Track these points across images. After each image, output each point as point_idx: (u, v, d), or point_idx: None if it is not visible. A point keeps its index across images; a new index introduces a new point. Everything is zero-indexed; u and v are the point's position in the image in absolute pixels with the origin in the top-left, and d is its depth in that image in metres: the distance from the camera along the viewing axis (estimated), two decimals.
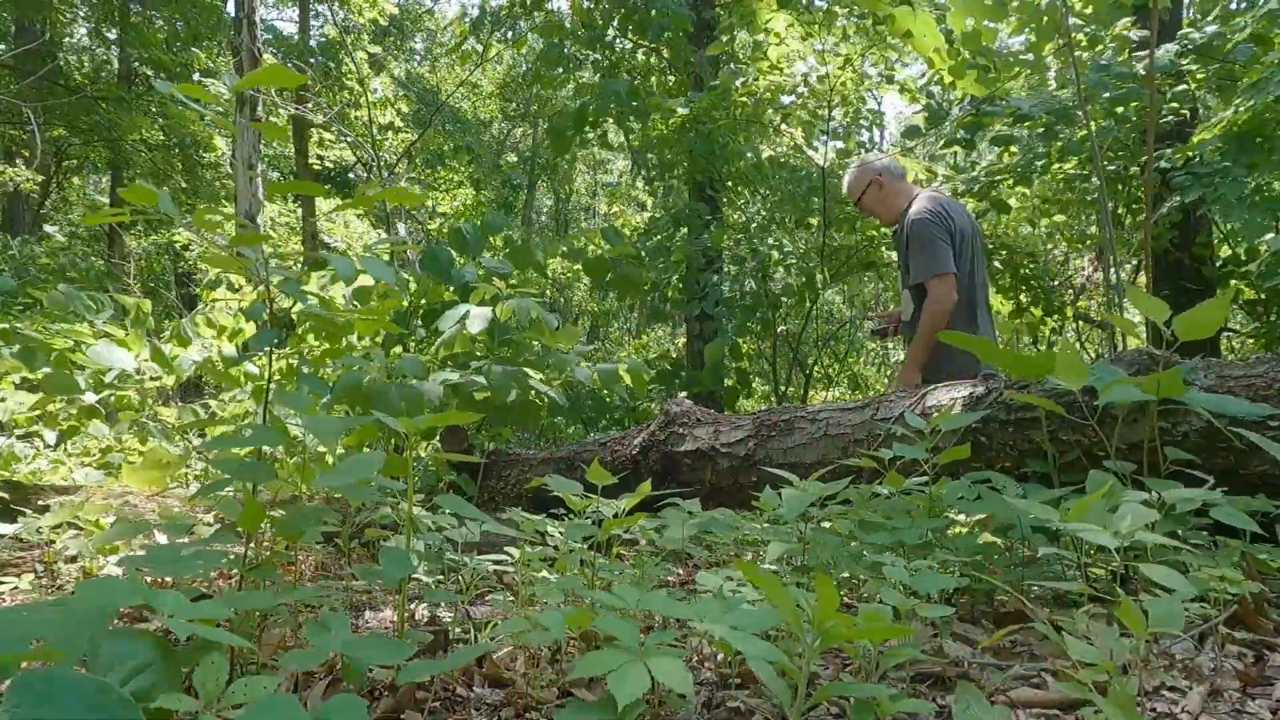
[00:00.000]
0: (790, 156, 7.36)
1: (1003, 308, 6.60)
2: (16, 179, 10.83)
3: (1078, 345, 8.53)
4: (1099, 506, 1.30)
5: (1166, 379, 1.68)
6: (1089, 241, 7.10)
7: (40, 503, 2.43)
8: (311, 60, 12.78)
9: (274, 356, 3.18)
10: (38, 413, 3.50)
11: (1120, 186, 5.68)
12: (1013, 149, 5.57)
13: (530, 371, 2.90)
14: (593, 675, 0.95)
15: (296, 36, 13.81)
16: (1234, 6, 5.33)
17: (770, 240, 6.77)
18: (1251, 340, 6.12)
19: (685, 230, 7.05)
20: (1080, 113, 4.15)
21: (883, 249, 6.93)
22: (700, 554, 2.13)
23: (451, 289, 3.12)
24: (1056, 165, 5.46)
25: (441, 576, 1.98)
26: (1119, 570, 1.55)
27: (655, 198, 9.29)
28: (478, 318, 2.76)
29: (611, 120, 6.62)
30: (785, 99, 6.61)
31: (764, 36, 6.49)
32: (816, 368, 8.71)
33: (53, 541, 2.21)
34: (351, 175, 15.14)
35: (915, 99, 6.08)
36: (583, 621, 1.11)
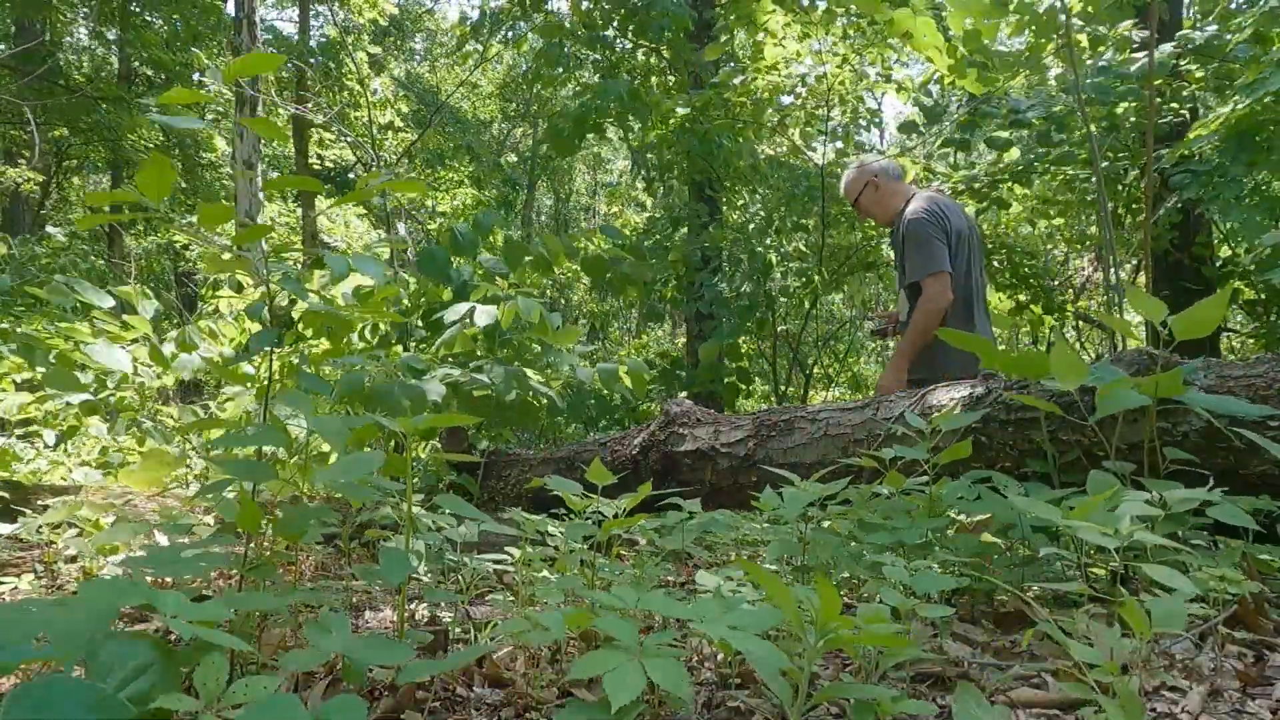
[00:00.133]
0: (789, 157, 7.37)
1: (1002, 305, 6.60)
2: (18, 179, 10.83)
3: (1078, 345, 8.54)
4: (1100, 507, 1.30)
5: (1166, 379, 1.68)
6: (1088, 242, 7.10)
7: (40, 503, 2.43)
8: (311, 60, 12.78)
9: (274, 356, 3.18)
10: (37, 413, 3.50)
11: (1120, 187, 5.68)
12: (1013, 151, 5.57)
13: (530, 372, 2.90)
14: (591, 676, 0.95)
15: (296, 36, 13.81)
16: (1234, 6, 5.33)
17: (768, 241, 6.77)
18: (1252, 340, 6.12)
19: (685, 230, 7.06)
20: (1079, 114, 4.15)
21: (882, 249, 6.93)
22: (700, 554, 2.14)
23: (449, 289, 3.12)
24: (1055, 168, 5.47)
25: (441, 576, 1.98)
26: (1119, 570, 1.55)
27: (655, 198, 9.29)
28: (483, 314, 2.76)
29: (611, 122, 6.62)
30: (784, 99, 6.62)
31: (762, 36, 6.49)
32: (816, 368, 8.71)
33: (52, 542, 2.21)
34: (351, 175, 15.14)
35: (913, 98, 6.08)
36: (582, 622, 1.11)
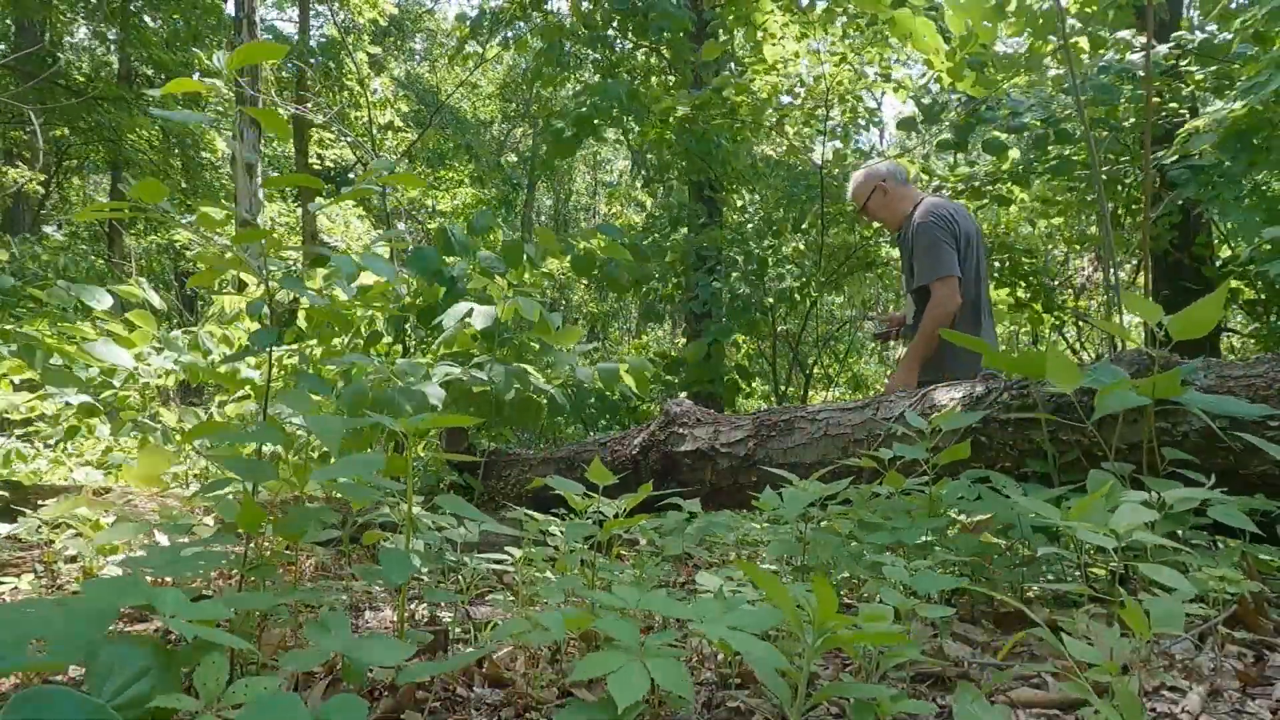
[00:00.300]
0: (789, 158, 7.37)
1: (1001, 302, 6.61)
2: (19, 180, 10.83)
3: (1078, 344, 8.54)
4: (1099, 506, 1.30)
5: (1164, 380, 1.68)
6: (1088, 242, 7.10)
7: (40, 503, 2.43)
8: (311, 60, 12.78)
9: (274, 356, 3.18)
10: (38, 413, 3.50)
11: (1119, 187, 5.68)
12: (1013, 151, 5.57)
13: (529, 369, 2.90)
14: (593, 677, 0.95)
15: (296, 36, 13.81)
16: (1233, 6, 5.33)
17: (766, 243, 6.78)
18: (1252, 340, 6.12)
19: (684, 230, 7.06)
20: (1078, 114, 4.15)
21: (882, 248, 6.93)
22: (700, 554, 2.13)
23: (443, 288, 3.12)
24: (1051, 174, 5.47)
25: (441, 576, 1.98)
26: (1119, 570, 1.55)
27: (655, 198, 9.29)
28: (481, 315, 2.76)
29: (610, 124, 6.62)
30: (784, 99, 6.62)
31: (761, 36, 6.50)
32: (816, 368, 8.72)
33: (52, 541, 2.21)
34: (351, 175, 15.13)
35: (910, 96, 6.09)
36: (583, 622, 1.11)
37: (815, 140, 6.95)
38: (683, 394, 6.35)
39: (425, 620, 1.67)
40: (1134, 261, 7.11)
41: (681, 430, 2.81)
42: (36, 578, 1.97)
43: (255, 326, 3.11)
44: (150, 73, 12.64)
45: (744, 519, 2.65)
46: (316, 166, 13.46)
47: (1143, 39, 4.69)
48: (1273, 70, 3.93)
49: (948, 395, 2.30)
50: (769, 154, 7.67)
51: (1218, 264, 5.77)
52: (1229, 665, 1.23)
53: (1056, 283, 7.40)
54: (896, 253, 6.85)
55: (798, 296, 6.62)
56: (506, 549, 1.81)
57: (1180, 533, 1.59)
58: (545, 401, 2.97)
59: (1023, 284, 6.51)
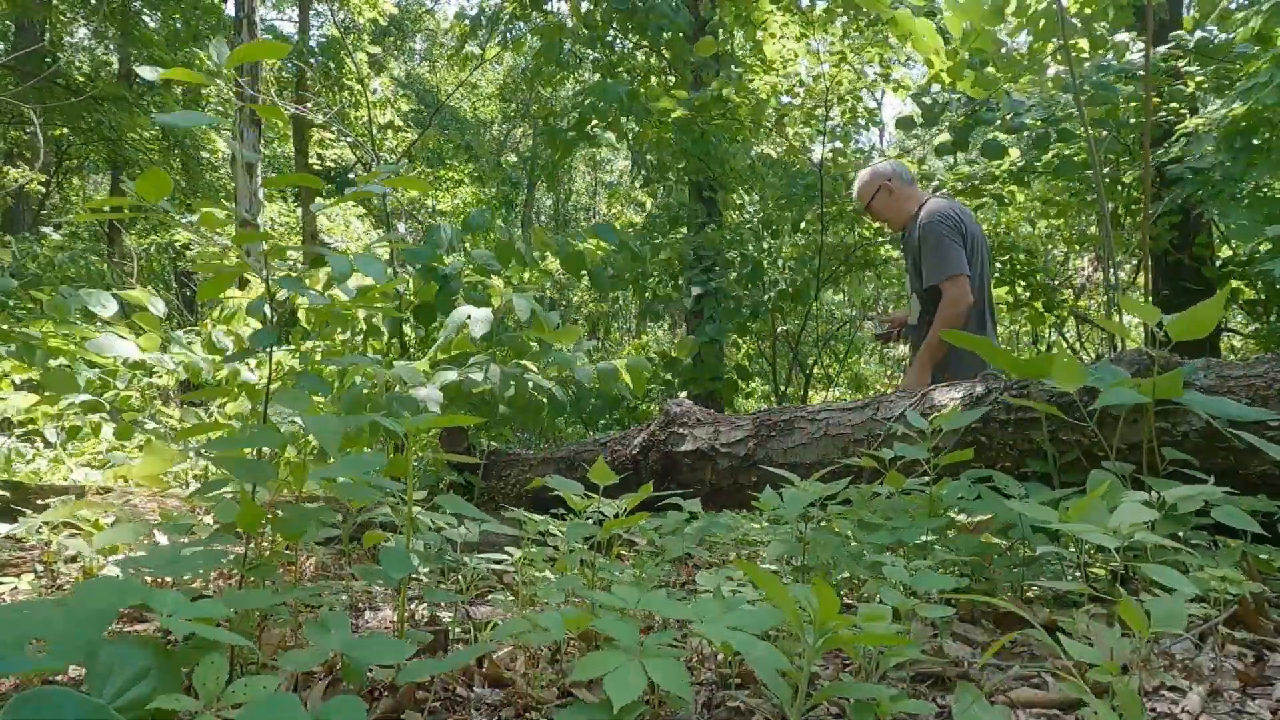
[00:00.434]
0: (788, 158, 7.37)
1: (1001, 301, 6.62)
2: (20, 180, 10.82)
3: (1077, 344, 8.54)
4: (1099, 506, 1.30)
5: (1165, 380, 1.68)
6: (1088, 242, 7.11)
7: (40, 503, 2.43)
8: (311, 60, 12.78)
9: (274, 357, 3.18)
10: (40, 414, 3.50)
11: (1119, 187, 5.68)
12: (1013, 151, 5.57)
13: (528, 365, 2.90)
14: (592, 677, 0.95)
15: (296, 36, 13.81)
16: (1233, 6, 5.33)
17: (766, 244, 6.78)
18: (1252, 340, 6.13)
19: (684, 230, 7.06)
20: (1078, 114, 4.15)
21: (882, 248, 6.93)
22: (700, 554, 2.13)
23: (443, 289, 3.12)
24: (1051, 173, 5.47)
25: (441, 576, 1.98)
26: (1119, 570, 1.55)
27: (654, 198, 9.29)
28: (480, 321, 2.76)
29: (607, 126, 6.62)
30: (783, 99, 6.62)
31: (761, 35, 6.50)
32: (816, 368, 8.72)
33: (50, 541, 2.21)
34: (351, 175, 15.13)
35: (910, 95, 6.09)
36: (582, 622, 1.11)
37: (815, 140, 6.95)
38: (683, 394, 6.35)
39: (425, 620, 1.67)
40: (1134, 261, 7.11)
41: (681, 430, 2.81)
42: (36, 578, 1.97)
43: (257, 325, 3.12)
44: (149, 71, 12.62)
45: (744, 519, 2.65)
46: (316, 167, 13.47)
47: (1142, 39, 4.70)
48: (1274, 69, 3.93)
49: (948, 395, 2.30)
50: (769, 154, 7.66)
51: (1218, 264, 5.77)
52: (1229, 665, 1.23)
53: (1057, 282, 7.41)
54: (896, 252, 6.86)
55: (791, 297, 6.62)
56: (506, 549, 1.81)
57: (1181, 533, 1.59)
58: (545, 400, 2.97)
59: (1022, 283, 6.52)
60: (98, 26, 12.17)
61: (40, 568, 2.09)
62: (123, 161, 12.61)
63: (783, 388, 7.76)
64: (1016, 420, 2.10)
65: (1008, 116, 4.93)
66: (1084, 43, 5.24)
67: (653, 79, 7.58)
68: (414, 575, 1.62)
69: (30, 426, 3.80)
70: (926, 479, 1.80)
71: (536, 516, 1.93)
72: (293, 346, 3.29)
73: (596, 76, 7.47)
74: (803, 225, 6.85)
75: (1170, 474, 1.72)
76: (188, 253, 12.03)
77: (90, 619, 0.88)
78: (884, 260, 7.14)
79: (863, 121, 6.71)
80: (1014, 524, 1.68)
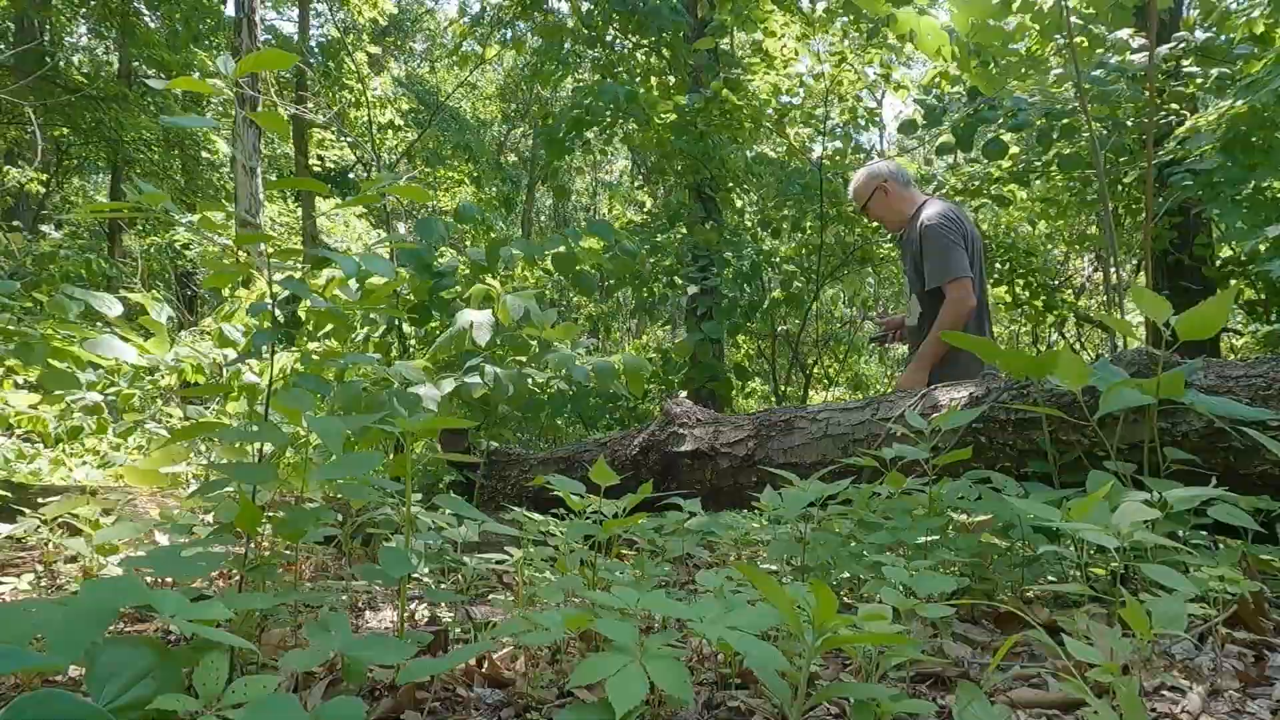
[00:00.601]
0: (787, 158, 7.38)
1: (1000, 300, 6.62)
2: (20, 179, 10.82)
3: (1077, 344, 8.54)
4: (1100, 507, 1.30)
5: (1167, 380, 1.68)
6: (1088, 242, 7.11)
7: (41, 503, 2.43)
8: (311, 60, 12.77)
9: (277, 357, 3.18)
10: (40, 417, 3.50)
11: (1120, 187, 5.68)
12: (1013, 152, 5.57)
13: (525, 362, 2.90)
14: (592, 681, 0.95)
15: (296, 36, 13.81)
16: (1233, 7, 5.33)
17: (766, 245, 6.79)
18: (1252, 340, 6.13)
19: (683, 230, 7.07)
20: (1082, 112, 4.15)
21: (882, 248, 6.93)
22: (700, 554, 2.13)
23: (434, 285, 3.13)
24: (1054, 170, 5.47)
25: (441, 576, 1.98)
26: (1119, 570, 1.55)
27: (654, 198, 9.30)
28: (482, 326, 2.76)
29: (604, 128, 6.62)
30: (783, 98, 6.62)
31: (761, 35, 6.50)
32: (816, 368, 8.72)
33: (50, 541, 2.21)
34: (351, 175, 15.14)
35: (911, 97, 6.09)
36: (582, 621, 1.11)
37: (815, 140, 6.96)
38: (682, 393, 6.35)
39: (425, 620, 1.67)
40: (1134, 261, 7.11)
41: (681, 430, 2.81)
42: (36, 578, 1.97)
43: (266, 325, 3.11)
44: (151, 73, 12.63)
45: (744, 519, 2.65)
46: (316, 168, 13.47)
47: (1141, 39, 4.70)
48: (1275, 67, 3.93)
49: (948, 395, 2.30)
50: (767, 154, 7.67)
51: (1218, 264, 5.77)
52: (1229, 665, 1.23)
53: (1057, 282, 7.41)
54: (896, 251, 6.86)
55: (789, 300, 6.62)
56: (506, 549, 1.81)
57: (1181, 533, 1.59)
58: (545, 397, 2.97)
59: (1022, 283, 6.52)
60: (97, 26, 12.16)
61: (40, 568, 2.09)
62: (123, 161, 12.60)
63: (783, 388, 7.76)
64: (1016, 420, 2.10)
65: (1009, 114, 4.92)
66: (1084, 40, 5.24)
67: (652, 79, 7.59)
68: (414, 575, 1.62)
69: (30, 427, 3.80)
70: (926, 479, 1.80)
71: (536, 516, 1.93)
72: (297, 349, 3.29)
73: (596, 77, 7.47)
74: (802, 225, 6.85)
75: (1172, 474, 1.72)
76: (187, 253, 12.03)
77: (90, 619, 0.88)
78: (882, 259, 7.14)
79: (863, 121, 6.71)
80: (1014, 524, 1.68)
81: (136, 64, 12.76)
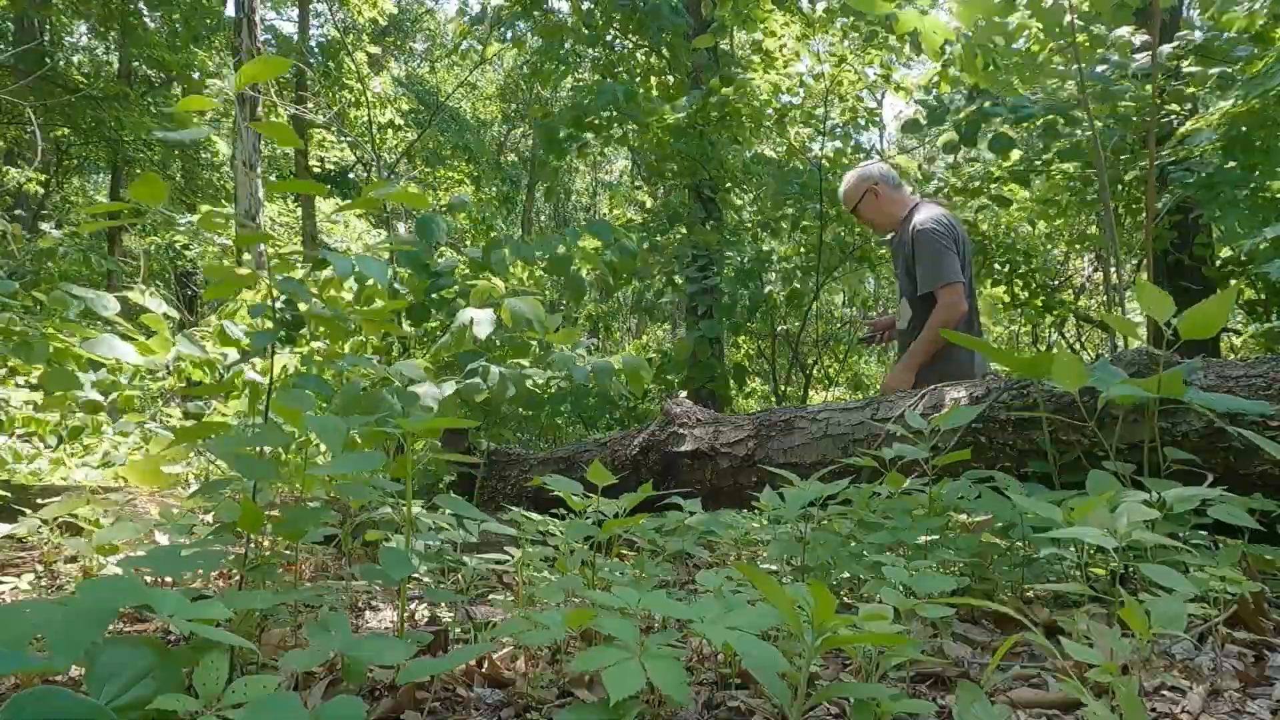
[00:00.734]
0: (787, 158, 7.38)
1: (999, 300, 6.61)
2: (19, 179, 10.82)
3: (1077, 344, 8.55)
4: (1100, 507, 1.30)
5: (1167, 379, 1.68)
6: (1088, 242, 7.11)
7: (41, 503, 2.43)
8: (311, 60, 12.77)
9: (279, 359, 3.18)
10: (41, 419, 3.50)
11: (1120, 187, 5.68)
12: (1008, 155, 5.56)
13: (524, 363, 2.90)
14: (590, 670, 0.95)
15: (296, 36, 13.81)
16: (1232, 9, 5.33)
17: (766, 245, 6.79)
18: (1251, 340, 6.13)
19: (683, 229, 7.07)
20: (1084, 111, 4.15)
21: (882, 248, 6.93)
22: (701, 554, 2.13)
23: (431, 284, 3.13)
24: (1056, 166, 5.47)
25: (441, 576, 1.98)
26: (1118, 570, 1.55)
27: (654, 199, 9.30)
28: (483, 321, 2.76)
29: (602, 129, 6.62)
30: (783, 98, 6.62)
31: (761, 34, 6.50)
32: (816, 368, 8.72)
33: (50, 541, 2.21)
34: (351, 175, 15.14)
35: (914, 99, 6.09)
36: (582, 620, 1.10)
37: (815, 140, 6.96)
38: (682, 393, 6.36)
39: (425, 620, 1.67)
40: (1134, 261, 7.11)
41: (681, 430, 2.81)
42: (36, 578, 1.97)
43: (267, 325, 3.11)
44: (150, 72, 12.64)
45: (744, 519, 2.65)
46: (316, 169, 13.46)
47: (1143, 36, 4.69)
48: (1276, 65, 3.93)
49: (949, 396, 2.30)
50: (766, 154, 7.67)
51: (1218, 264, 5.77)
52: (1229, 665, 1.23)
53: (1057, 283, 7.41)
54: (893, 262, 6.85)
55: (788, 300, 6.62)
56: (506, 549, 1.81)
57: (1181, 533, 1.59)
58: (544, 396, 2.98)
59: (1021, 282, 6.52)
60: (96, 26, 12.16)
61: (40, 568, 2.09)
62: (123, 161, 12.60)
63: (783, 388, 7.76)
64: (1016, 420, 2.10)
65: (1013, 109, 4.92)
66: (1085, 38, 5.23)
67: (652, 79, 7.59)
68: (414, 575, 1.62)
69: (31, 428, 3.80)
70: (926, 479, 1.80)
71: (535, 516, 1.93)
72: (298, 350, 3.29)
73: (596, 77, 7.48)
74: (801, 224, 6.85)
75: (1172, 474, 1.72)
76: (187, 253, 12.03)
77: (90, 619, 0.88)
78: (881, 258, 7.14)
79: (863, 122, 6.72)
80: (1014, 524, 1.68)
81: (136, 64, 12.76)
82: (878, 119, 7.10)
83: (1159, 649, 1.26)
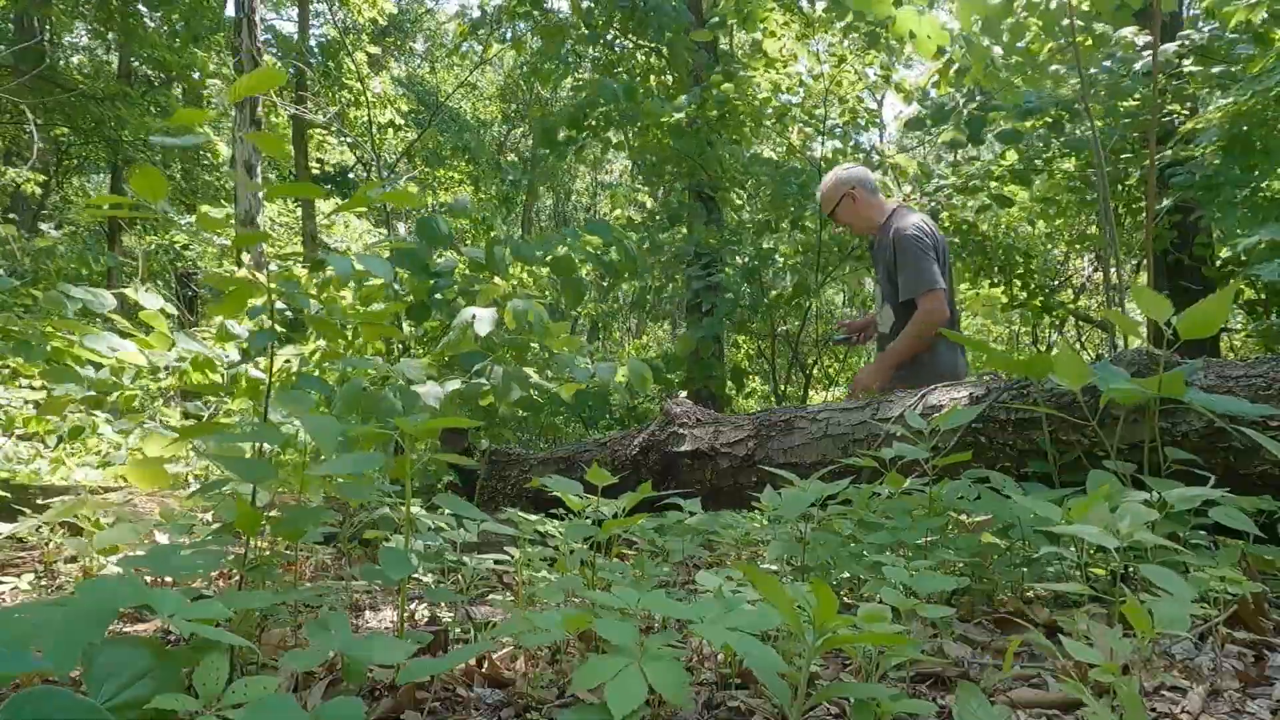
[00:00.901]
0: (786, 158, 7.37)
1: (997, 300, 6.61)
2: (18, 179, 10.82)
3: (1077, 344, 8.54)
4: (1100, 507, 1.30)
5: (1168, 379, 1.68)
6: (1088, 242, 7.10)
7: (41, 503, 2.43)
8: (311, 60, 12.77)
9: (279, 359, 3.18)
10: (42, 419, 3.49)
11: (1120, 186, 5.68)
12: (1016, 149, 5.57)
13: (529, 369, 2.90)
14: (592, 685, 0.95)
15: (296, 36, 13.81)
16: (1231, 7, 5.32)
17: (765, 245, 6.79)
18: (1251, 340, 6.13)
19: (683, 229, 7.07)
20: (1084, 110, 4.15)
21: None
22: (701, 554, 2.13)
23: (433, 285, 3.13)
24: (1056, 165, 5.47)
25: (441, 576, 1.98)
26: (1119, 570, 1.55)
27: (654, 199, 9.31)
28: (484, 320, 2.76)
29: (602, 127, 6.62)
30: (783, 97, 6.62)
31: (761, 33, 6.50)
32: (816, 368, 8.72)
33: (50, 541, 2.21)
34: (351, 175, 15.14)
35: (915, 100, 6.08)
36: (582, 622, 1.10)
37: (814, 140, 6.95)
38: (682, 393, 6.36)
39: (425, 620, 1.67)
40: (1134, 261, 7.11)
41: (681, 430, 2.81)
42: (36, 578, 1.97)
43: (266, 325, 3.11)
44: (150, 72, 12.63)
45: (744, 519, 2.65)
46: (316, 170, 13.46)
47: (1145, 36, 4.70)
48: (1276, 64, 3.93)
49: (948, 395, 2.30)
50: (769, 155, 7.67)
51: (1218, 264, 5.77)
52: (1229, 665, 1.23)
53: (1057, 283, 7.41)
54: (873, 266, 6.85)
55: (789, 299, 6.62)
56: (506, 549, 1.81)
57: (1181, 533, 1.58)
58: (544, 399, 2.98)
59: (1020, 282, 6.52)
60: (95, 26, 12.15)
61: (40, 568, 2.09)
62: (123, 161, 12.60)
63: (783, 388, 7.76)
64: (1016, 420, 2.10)
65: (1016, 106, 4.92)
66: (1088, 38, 5.23)
67: (652, 79, 7.58)
68: (414, 575, 1.62)
69: (31, 428, 3.80)
70: (926, 479, 1.80)
71: (532, 516, 1.93)
72: (301, 350, 3.29)
73: (596, 76, 7.47)
74: (801, 223, 6.85)
75: (1173, 474, 1.72)
76: (187, 253, 12.03)
77: (90, 619, 0.88)
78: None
79: (863, 122, 6.71)
80: (1014, 524, 1.68)
81: (136, 64, 12.75)
82: (878, 119, 7.10)
83: (1159, 649, 1.26)
